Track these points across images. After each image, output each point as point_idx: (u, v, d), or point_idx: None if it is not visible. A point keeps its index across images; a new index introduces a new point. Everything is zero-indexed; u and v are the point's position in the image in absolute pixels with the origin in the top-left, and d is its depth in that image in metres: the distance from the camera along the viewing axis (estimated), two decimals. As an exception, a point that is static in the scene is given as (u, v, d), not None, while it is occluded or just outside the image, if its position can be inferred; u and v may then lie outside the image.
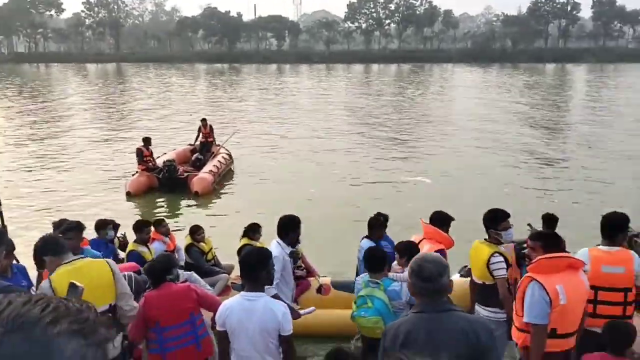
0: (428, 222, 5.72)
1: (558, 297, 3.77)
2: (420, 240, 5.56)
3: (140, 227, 6.84)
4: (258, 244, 6.95)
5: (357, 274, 6.27)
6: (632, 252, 4.44)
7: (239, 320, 3.54)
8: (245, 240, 7.09)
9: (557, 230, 6.48)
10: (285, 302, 5.11)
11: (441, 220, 5.66)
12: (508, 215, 4.94)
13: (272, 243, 5.22)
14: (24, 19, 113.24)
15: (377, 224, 6.19)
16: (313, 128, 25.58)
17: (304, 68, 74.95)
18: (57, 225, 5.86)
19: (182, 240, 7.92)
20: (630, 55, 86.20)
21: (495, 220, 4.89)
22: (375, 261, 4.87)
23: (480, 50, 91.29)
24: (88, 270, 3.91)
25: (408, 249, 5.11)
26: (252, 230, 7.23)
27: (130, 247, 6.78)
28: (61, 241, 4.04)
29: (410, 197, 13.97)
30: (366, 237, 6.23)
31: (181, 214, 13.02)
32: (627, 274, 4.23)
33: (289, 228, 5.17)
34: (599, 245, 4.57)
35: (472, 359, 2.58)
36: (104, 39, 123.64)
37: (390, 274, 4.98)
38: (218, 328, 3.67)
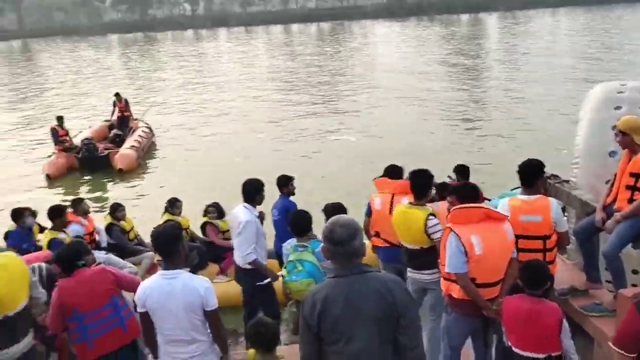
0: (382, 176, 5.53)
1: (473, 247, 3.86)
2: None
3: (54, 212, 6.44)
4: (179, 219, 6.73)
5: (277, 235, 6.27)
6: (551, 199, 4.48)
7: (159, 300, 3.46)
8: (166, 216, 6.86)
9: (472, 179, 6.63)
10: (264, 264, 5.24)
11: (396, 173, 5.54)
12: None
13: (239, 208, 5.23)
14: None
15: (285, 182, 6.40)
16: (236, 94, 25.08)
17: (222, 32, 72.76)
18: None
19: (102, 222, 7.59)
20: (533, 2, 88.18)
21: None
22: (300, 225, 4.82)
23: (396, 5, 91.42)
24: (5, 264, 3.73)
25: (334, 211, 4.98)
26: (171, 205, 7.00)
27: (48, 235, 6.32)
28: None
29: (339, 155, 14.08)
30: (281, 195, 6.39)
31: (105, 193, 12.56)
32: (545, 222, 4.29)
33: (255, 191, 5.25)
34: (515, 189, 4.66)
35: (391, 318, 2.59)
36: (3, 15, 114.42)
37: None
38: (139, 309, 3.59)
